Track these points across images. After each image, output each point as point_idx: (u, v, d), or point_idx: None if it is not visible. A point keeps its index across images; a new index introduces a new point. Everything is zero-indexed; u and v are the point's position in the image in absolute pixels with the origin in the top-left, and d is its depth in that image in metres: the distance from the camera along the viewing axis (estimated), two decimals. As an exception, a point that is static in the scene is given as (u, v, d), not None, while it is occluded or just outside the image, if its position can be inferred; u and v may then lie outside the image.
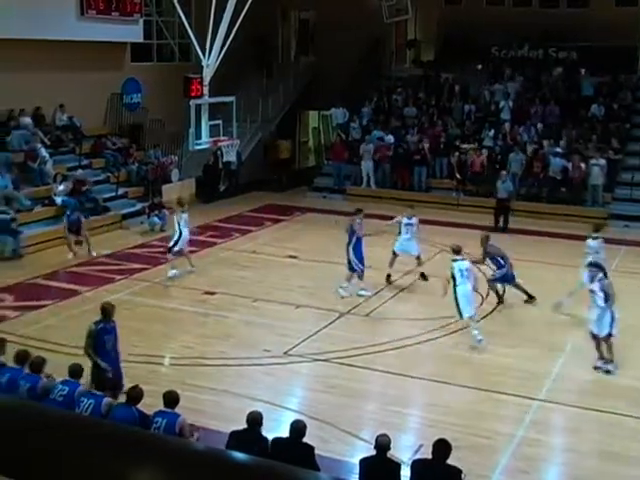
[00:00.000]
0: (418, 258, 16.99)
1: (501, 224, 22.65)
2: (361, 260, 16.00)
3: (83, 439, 2.78)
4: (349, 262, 16.04)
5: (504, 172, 23.49)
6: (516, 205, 23.12)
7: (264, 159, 29.90)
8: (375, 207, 24.26)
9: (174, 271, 17.29)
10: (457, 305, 13.67)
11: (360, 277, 16.19)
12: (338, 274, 17.52)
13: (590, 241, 16.17)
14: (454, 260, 13.85)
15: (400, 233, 16.99)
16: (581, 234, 21.46)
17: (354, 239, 15.98)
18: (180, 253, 17.55)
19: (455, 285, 13.63)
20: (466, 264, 13.80)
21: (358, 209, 16.66)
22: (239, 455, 3.01)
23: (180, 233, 17.34)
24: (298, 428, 8.06)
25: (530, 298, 15.93)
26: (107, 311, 11.07)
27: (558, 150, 24.74)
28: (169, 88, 23.92)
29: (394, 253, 16.88)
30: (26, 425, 2.80)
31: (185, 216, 17.61)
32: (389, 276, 16.88)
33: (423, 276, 16.85)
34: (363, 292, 16.17)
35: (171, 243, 17.49)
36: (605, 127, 26.21)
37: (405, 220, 16.96)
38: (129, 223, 21.95)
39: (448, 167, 26.05)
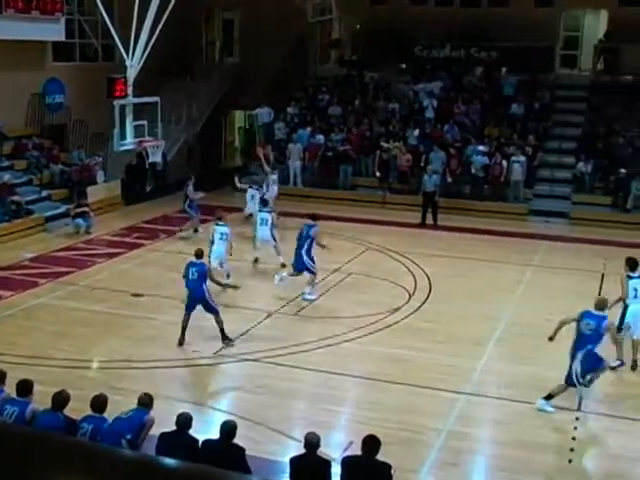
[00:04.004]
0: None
1: (430, 220, 23.01)
2: (313, 262, 16.23)
3: (5, 448, 2.76)
4: (303, 265, 16.11)
5: (430, 167, 23.88)
6: (441, 202, 23.44)
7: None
8: (302, 206, 24.40)
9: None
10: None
11: (313, 280, 16.34)
12: (265, 273, 17.61)
13: None
14: (216, 224, 16.57)
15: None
16: (504, 230, 22.10)
17: (308, 242, 16.09)
18: None
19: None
20: (225, 229, 16.41)
21: (314, 215, 16.80)
22: (168, 461, 3.00)
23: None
24: (228, 429, 8.06)
25: None
26: None
27: (480, 148, 25.21)
28: (93, 88, 23.53)
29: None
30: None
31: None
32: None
33: None
34: (310, 296, 16.22)
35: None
36: (525, 125, 26.84)
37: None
38: (53, 226, 21.55)
39: (373, 166, 26.31)
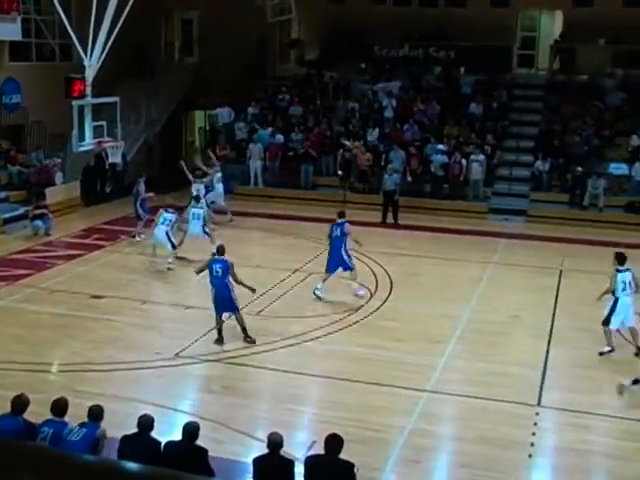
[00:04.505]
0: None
1: (390, 219, 23.18)
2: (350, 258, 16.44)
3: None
4: (339, 263, 16.23)
5: (390, 166, 24.04)
6: (402, 201, 23.58)
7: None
8: (264, 206, 24.45)
9: None
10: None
11: (354, 277, 16.54)
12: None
13: None
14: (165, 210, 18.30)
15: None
16: (464, 228, 22.29)
17: (345, 240, 16.27)
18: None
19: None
20: (171, 216, 18.02)
21: (342, 212, 16.86)
22: (131, 465, 2.99)
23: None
24: (190, 430, 8.05)
25: None
26: None
27: (440, 147, 25.40)
28: (51, 88, 23.24)
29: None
30: None
31: None
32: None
33: None
34: (362, 292, 16.46)
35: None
36: (483, 124, 27.09)
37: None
38: (11, 228, 21.30)
39: (334, 165, 26.40)
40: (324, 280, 16.30)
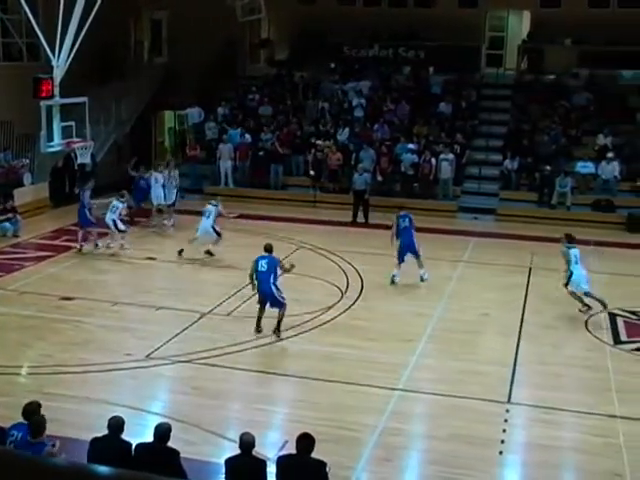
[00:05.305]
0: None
1: (361, 218, 23.24)
2: None
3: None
4: (413, 248, 17.29)
5: (361, 165, 24.12)
6: (372, 200, 23.65)
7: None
8: (234, 206, 24.37)
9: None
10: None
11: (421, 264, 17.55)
12: (198, 275, 17.56)
13: None
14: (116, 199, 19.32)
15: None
16: (434, 227, 22.39)
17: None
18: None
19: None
20: (119, 204, 19.15)
21: (402, 205, 18.42)
22: (102, 468, 2.97)
23: None
24: (162, 432, 8.03)
25: None
26: None
27: (410, 146, 25.52)
28: (19, 89, 23.04)
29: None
30: None
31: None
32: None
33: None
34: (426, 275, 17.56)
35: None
36: (452, 124, 27.25)
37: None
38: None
39: (305, 165, 26.42)
40: (421, 264, 17.41)
